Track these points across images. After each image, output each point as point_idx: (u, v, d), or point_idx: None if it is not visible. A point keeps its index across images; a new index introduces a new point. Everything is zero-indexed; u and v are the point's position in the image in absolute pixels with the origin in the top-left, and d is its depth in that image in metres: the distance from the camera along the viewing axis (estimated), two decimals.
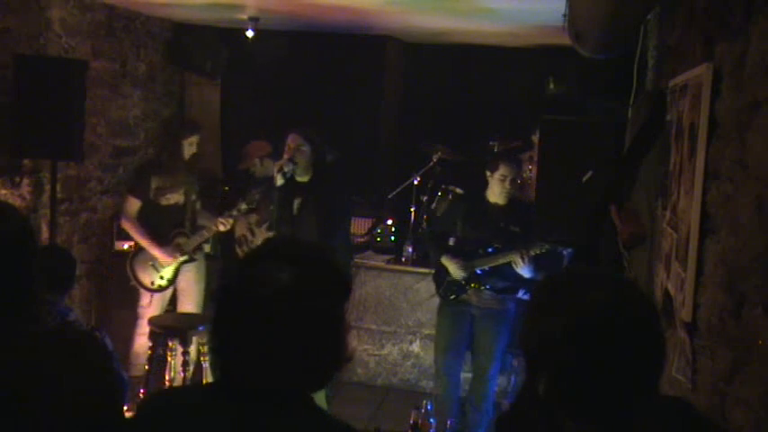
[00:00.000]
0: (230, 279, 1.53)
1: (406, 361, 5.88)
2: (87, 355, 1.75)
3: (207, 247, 5.47)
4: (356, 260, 5.66)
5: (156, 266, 5.05)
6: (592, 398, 1.35)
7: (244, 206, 5.02)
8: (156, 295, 5.12)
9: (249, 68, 6.69)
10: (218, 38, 6.61)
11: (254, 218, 5.65)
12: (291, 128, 4.81)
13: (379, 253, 6.11)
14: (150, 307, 5.11)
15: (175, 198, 5.10)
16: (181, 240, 5.08)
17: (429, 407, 3.77)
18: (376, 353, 5.92)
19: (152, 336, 4.77)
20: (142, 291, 5.11)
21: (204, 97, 6.96)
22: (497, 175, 4.53)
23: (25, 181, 4.85)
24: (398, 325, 5.86)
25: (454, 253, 4.65)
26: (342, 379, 5.76)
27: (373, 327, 5.91)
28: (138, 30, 6.10)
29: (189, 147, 5.11)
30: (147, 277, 5.07)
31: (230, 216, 5.01)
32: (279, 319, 1.45)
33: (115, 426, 1.69)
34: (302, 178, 4.75)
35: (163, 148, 5.31)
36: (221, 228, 5.02)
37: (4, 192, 4.65)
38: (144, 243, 5.01)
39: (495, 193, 4.58)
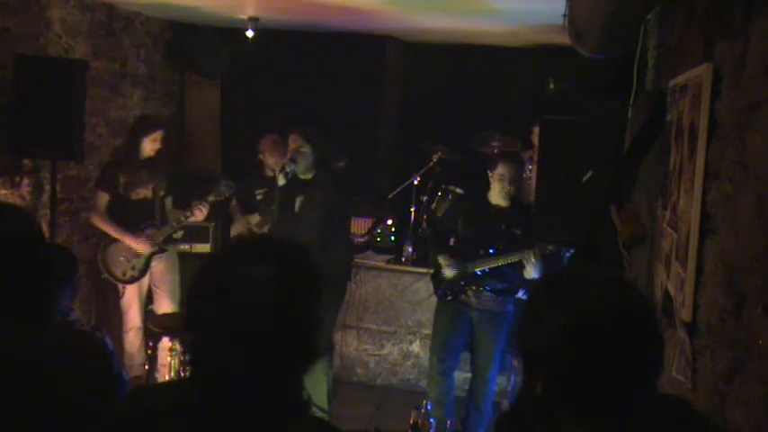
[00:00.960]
0: (202, 275, 1.53)
1: (406, 361, 5.88)
2: (88, 355, 1.75)
3: (202, 249, 5.48)
4: (356, 260, 5.66)
5: (126, 258, 5.09)
6: (590, 397, 1.36)
7: (212, 197, 5.14)
8: (130, 287, 5.15)
9: (249, 68, 6.69)
10: (218, 38, 6.61)
11: (255, 219, 5.66)
12: (291, 128, 4.83)
13: (379, 253, 6.11)
14: (125, 298, 5.16)
15: (144, 193, 5.15)
16: (151, 231, 5.12)
17: (429, 407, 3.77)
18: (376, 353, 5.92)
19: (152, 336, 4.77)
20: (117, 284, 5.15)
21: (204, 97, 6.96)
22: (496, 174, 4.52)
23: (25, 181, 4.85)
24: (398, 325, 5.86)
25: (453, 253, 4.65)
26: (342, 379, 5.77)
27: (373, 327, 5.90)
28: (138, 30, 6.10)
29: (152, 143, 5.12)
30: (119, 269, 5.11)
31: (198, 208, 5.10)
32: (250, 313, 1.44)
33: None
34: (305, 176, 4.77)
35: (123, 147, 5.35)
36: (198, 215, 5.12)
37: (4, 192, 4.65)
38: (117, 235, 5.06)
39: (496, 192, 4.57)
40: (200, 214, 5.14)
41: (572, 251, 4.35)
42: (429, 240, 5.10)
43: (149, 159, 5.14)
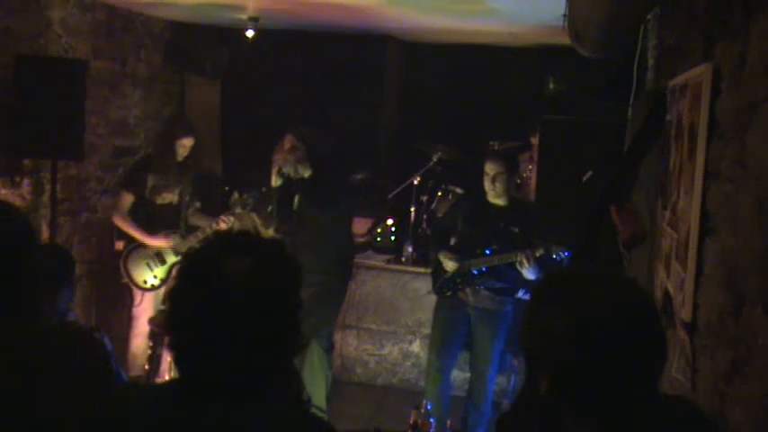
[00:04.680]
0: (180, 274, 1.53)
1: (406, 361, 5.88)
2: (86, 355, 1.75)
3: None
4: (356, 260, 5.66)
5: (150, 265, 5.07)
6: (591, 397, 1.36)
7: (238, 210, 5.09)
8: (148, 294, 5.12)
9: (249, 68, 6.69)
10: (218, 38, 6.61)
11: (258, 218, 5.63)
12: (286, 128, 4.85)
13: (379, 253, 6.11)
14: (142, 306, 5.12)
15: (170, 198, 5.12)
16: (176, 241, 5.09)
17: (429, 407, 3.77)
18: (376, 353, 5.92)
19: (152, 336, 4.76)
20: (135, 290, 5.12)
21: (204, 97, 6.96)
22: (485, 174, 4.54)
23: (25, 181, 4.85)
24: (398, 325, 5.86)
25: (452, 250, 4.67)
26: (342, 379, 5.77)
27: (373, 327, 5.91)
28: (138, 30, 6.10)
29: (182, 148, 5.10)
30: (140, 276, 5.08)
31: (223, 220, 5.05)
32: (233, 307, 1.44)
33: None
34: (301, 175, 4.79)
35: (157, 147, 5.30)
36: (223, 226, 5.02)
37: (4, 192, 4.65)
38: (138, 235, 5.02)
39: (489, 192, 4.56)
40: (224, 225, 5.04)
41: (564, 254, 4.35)
42: (430, 238, 5.09)
43: (177, 164, 5.11)
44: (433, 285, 4.82)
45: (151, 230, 5.05)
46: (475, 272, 4.59)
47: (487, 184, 4.55)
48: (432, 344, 4.87)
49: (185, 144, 5.10)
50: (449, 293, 4.69)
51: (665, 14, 3.20)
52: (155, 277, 5.08)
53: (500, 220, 4.57)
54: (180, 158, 5.11)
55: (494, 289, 4.59)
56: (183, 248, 5.06)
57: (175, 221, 5.14)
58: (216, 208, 5.47)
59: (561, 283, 1.46)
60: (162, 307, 5.26)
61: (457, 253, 4.65)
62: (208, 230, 5.06)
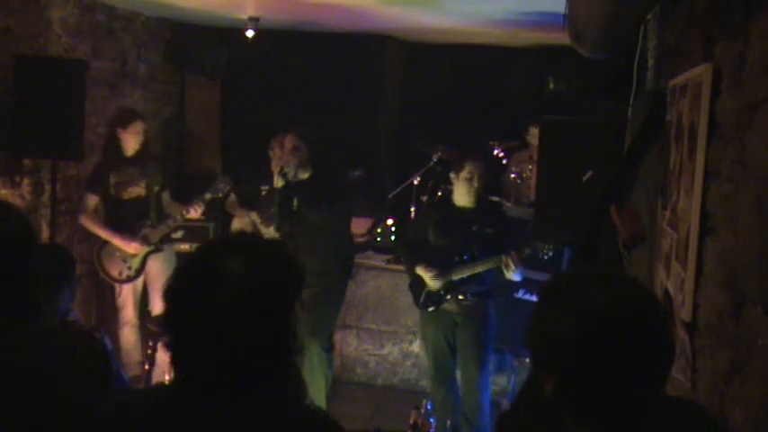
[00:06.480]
0: (181, 273, 1.53)
1: (406, 361, 5.88)
2: (86, 355, 1.75)
3: (181, 244, 5.44)
4: (356, 260, 5.65)
5: (122, 257, 5.05)
6: (593, 397, 1.35)
7: (208, 195, 5.05)
8: (126, 286, 5.12)
9: (249, 68, 6.69)
10: (218, 38, 6.61)
11: (255, 216, 5.64)
12: (288, 129, 4.86)
13: (379, 253, 6.11)
14: (122, 296, 5.12)
15: (137, 191, 5.08)
16: (147, 231, 5.07)
17: (429, 407, 3.76)
18: (376, 353, 5.92)
19: (151, 335, 4.77)
20: (114, 284, 5.12)
21: (204, 97, 6.96)
22: (463, 174, 4.44)
23: (25, 181, 4.85)
24: (398, 325, 5.86)
25: (429, 262, 4.55)
26: (342, 379, 5.77)
27: (373, 327, 5.90)
28: (138, 30, 6.10)
29: (134, 137, 4.99)
30: (115, 269, 5.07)
31: (194, 207, 5.02)
32: (230, 307, 1.44)
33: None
34: (302, 177, 4.79)
35: (104, 146, 5.21)
36: (194, 214, 5.03)
37: (4, 192, 4.65)
38: (105, 235, 5.00)
39: (462, 193, 4.47)
40: (195, 213, 5.04)
41: (551, 255, 4.31)
42: (402, 250, 5.00)
43: (137, 156, 5.04)
44: (415, 300, 4.69)
45: (123, 226, 5.01)
46: (456, 280, 4.47)
47: (465, 186, 4.44)
48: (429, 356, 4.76)
49: (136, 131, 4.99)
50: (432, 308, 4.57)
51: (665, 14, 3.20)
52: (129, 268, 5.07)
53: (472, 223, 4.46)
54: (132, 151, 5.01)
55: (473, 293, 4.49)
56: (156, 238, 5.07)
57: (145, 213, 5.09)
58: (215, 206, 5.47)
59: (562, 284, 1.46)
60: (149, 309, 5.27)
61: (434, 264, 4.52)
62: (178, 218, 5.08)
